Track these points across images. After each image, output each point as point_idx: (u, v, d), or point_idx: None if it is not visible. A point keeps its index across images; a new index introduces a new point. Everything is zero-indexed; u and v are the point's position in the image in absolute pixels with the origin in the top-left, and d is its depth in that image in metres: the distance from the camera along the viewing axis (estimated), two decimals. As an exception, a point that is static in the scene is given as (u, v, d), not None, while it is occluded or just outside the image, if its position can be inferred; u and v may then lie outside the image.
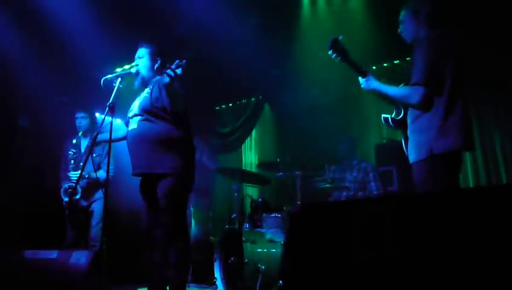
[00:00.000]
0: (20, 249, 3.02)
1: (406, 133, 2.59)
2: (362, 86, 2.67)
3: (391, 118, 2.67)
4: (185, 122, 2.94)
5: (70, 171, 4.11)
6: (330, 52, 2.62)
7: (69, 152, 4.20)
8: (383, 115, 2.73)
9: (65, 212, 4.08)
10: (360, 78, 2.68)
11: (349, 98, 5.72)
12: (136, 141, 2.86)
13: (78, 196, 4.03)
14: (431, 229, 1.34)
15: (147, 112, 2.86)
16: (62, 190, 4.09)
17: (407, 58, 5.08)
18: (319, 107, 5.68)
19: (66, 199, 4.04)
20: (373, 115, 5.63)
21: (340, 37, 2.63)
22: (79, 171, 4.03)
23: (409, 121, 2.54)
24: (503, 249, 1.20)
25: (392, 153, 4.55)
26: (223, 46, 4.97)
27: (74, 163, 4.13)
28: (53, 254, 2.90)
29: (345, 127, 5.57)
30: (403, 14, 2.68)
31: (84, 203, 4.13)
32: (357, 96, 5.72)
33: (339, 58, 2.62)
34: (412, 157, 2.48)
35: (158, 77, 3.00)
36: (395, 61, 5.14)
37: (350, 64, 2.65)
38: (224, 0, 4.43)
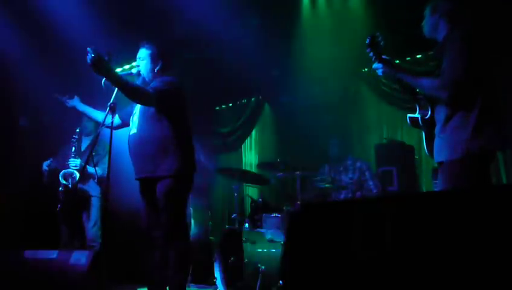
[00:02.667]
0: (20, 249, 3.03)
1: (430, 133, 2.54)
2: (382, 71, 2.57)
3: (422, 118, 2.55)
4: (184, 123, 2.94)
5: (71, 157, 4.14)
6: (368, 50, 2.53)
7: (72, 139, 4.22)
8: (409, 115, 2.61)
9: (60, 199, 4.09)
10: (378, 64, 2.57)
11: (349, 98, 5.72)
12: (136, 145, 2.88)
13: (76, 179, 4.04)
14: (431, 229, 1.34)
15: (146, 115, 2.88)
16: (61, 174, 4.10)
17: (407, 58, 5.09)
18: (319, 107, 5.67)
19: (64, 182, 4.05)
20: (373, 114, 5.63)
21: (378, 33, 2.53)
22: (78, 160, 4.09)
23: (439, 119, 2.46)
24: (503, 249, 1.20)
25: (392, 153, 4.53)
26: (223, 46, 4.98)
27: (75, 150, 4.16)
28: (53, 254, 2.91)
29: (345, 127, 5.57)
30: (426, 9, 2.64)
31: (81, 186, 4.15)
32: (357, 96, 5.73)
33: (374, 57, 2.54)
34: (441, 156, 2.43)
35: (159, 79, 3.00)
36: (395, 61, 5.12)
37: (384, 63, 2.56)
38: (225, 1, 4.43)
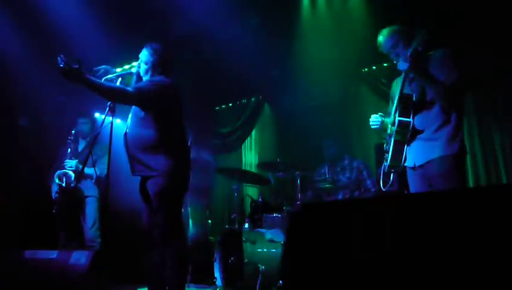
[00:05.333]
0: (20, 249, 3.03)
1: (407, 139, 2.67)
2: (403, 67, 2.67)
3: (413, 123, 2.66)
4: (175, 122, 2.94)
5: (66, 158, 4.13)
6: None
7: (68, 140, 4.21)
8: (400, 119, 2.68)
9: (55, 202, 4.08)
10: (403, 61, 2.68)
11: (349, 98, 5.72)
12: (128, 144, 2.90)
13: (71, 179, 4.03)
14: (431, 229, 1.34)
15: (137, 116, 2.90)
16: (55, 174, 4.09)
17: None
18: (319, 107, 5.68)
19: (59, 182, 4.05)
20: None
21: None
22: (74, 161, 4.09)
23: (428, 124, 2.63)
24: (503, 249, 1.20)
25: (392, 153, 4.53)
26: (223, 46, 4.97)
27: (71, 152, 4.15)
28: (53, 254, 2.91)
29: (345, 127, 5.57)
30: (393, 40, 2.78)
31: (73, 184, 4.12)
32: (357, 96, 5.73)
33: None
34: (432, 154, 2.59)
35: None
36: (395, 61, 5.12)
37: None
38: (225, 1, 4.43)
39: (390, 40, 2.79)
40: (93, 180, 4.22)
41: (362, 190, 4.44)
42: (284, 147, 6.04)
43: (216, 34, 4.75)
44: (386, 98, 5.25)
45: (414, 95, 2.71)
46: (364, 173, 4.47)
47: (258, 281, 3.49)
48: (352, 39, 4.81)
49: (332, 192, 4.48)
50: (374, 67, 5.43)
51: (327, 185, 4.39)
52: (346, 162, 4.59)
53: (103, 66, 2.97)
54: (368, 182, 4.43)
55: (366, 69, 5.53)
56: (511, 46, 4.21)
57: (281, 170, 4.41)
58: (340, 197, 4.42)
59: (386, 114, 2.97)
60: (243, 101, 6.59)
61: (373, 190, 4.38)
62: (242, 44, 4.83)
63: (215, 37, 4.86)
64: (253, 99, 6.43)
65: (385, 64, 5.32)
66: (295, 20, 5.05)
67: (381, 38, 2.83)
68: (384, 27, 2.84)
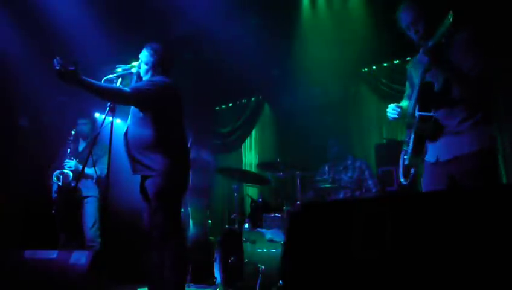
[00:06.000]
0: (20, 249, 3.03)
1: (426, 134, 2.48)
2: (424, 61, 2.39)
3: (435, 116, 2.42)
4: (172, 123, 2.94)
5: (66, 158, 4.13)
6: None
7: (68, 141, 4.21)
8: (420, 113, 2.43)
9: (54, 204, 4.07)
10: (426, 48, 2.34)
11: (349, 98, 5.73)
12: (127, 144, 2.91)
13: (72, 184, 4.02)
14: (431, 229, 1.34)
15: (136, 116, 2.90)
16: (54, 174, 4.09)
17: (407, 58, 5.09)
18: (319, 107, 5.68)
19: (57, 181, 4.05)
20: (373, 115, 5.63)
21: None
22: (74, 161, 4.09)
23: (455, 118, 2.40)
24: (503, 249, 1.20)
25: (392, 153, 4.53)
26: (223, 46, 4.98)
27: (71, 152, 4.15)
28: (53, 254, 2.91)
29: (345, 127, 5.57)
30: (415, 13, 2.43)
31: (73, 184, 4.10)
32: (357, 96, 5.74)
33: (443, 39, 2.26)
34: (461, 149, 2.37)
35: None
36: (395, 61, 5.14)
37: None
38: (225, 1, 4.43)
39: (411, 13, 2.43)
40: (94, 180, 4.22)
41: (363, 190, 4.44)
42: (284, 147, 6.04)
43: (216, 34, 4.76)
44: (386, 98, 5.29)
45: (435, 84, 2.44)
46: (366, 173, 4.48)
47: (258, 281, 3.49)
48: (352, 39, 4.81)
49: (333, 192, 4.48)
50: (374, 67, 5.43)
51: (328, 185, 4.39)
52: (349, 161, 4.60)
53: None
54: (369, 182, 4.44)
55: (366, 69, 5.53)
56: (511, 46, 4.21)
57: (281, 170, 4.41)
58: (341, 196, 4.43)
59: (405, 96, 2.76)
60: (243, 101, 6.59)
61: (374, 190, 4.38)
62: (242, 44, 4.83)
63: (215, 37, 4.86)
64: (253, 99, 6.44)
65: (385, 64, 5.33)
66: (295, 20, 5.06)
67: (401, 9, 2.48)
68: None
